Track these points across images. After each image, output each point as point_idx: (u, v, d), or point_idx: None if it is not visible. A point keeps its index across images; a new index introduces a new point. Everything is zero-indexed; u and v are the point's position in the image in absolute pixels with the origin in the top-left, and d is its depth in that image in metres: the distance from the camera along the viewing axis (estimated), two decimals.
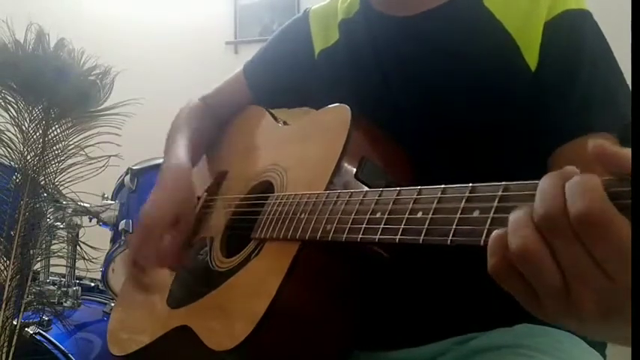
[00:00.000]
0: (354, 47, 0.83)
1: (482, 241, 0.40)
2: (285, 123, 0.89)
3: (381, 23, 0.81)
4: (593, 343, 0.72)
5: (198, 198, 0.92)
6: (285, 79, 0.93)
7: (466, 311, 0.72)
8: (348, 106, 0.70)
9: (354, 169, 0.64)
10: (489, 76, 0.71)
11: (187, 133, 0.96)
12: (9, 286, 1.26)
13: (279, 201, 0.68)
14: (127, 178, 1.54)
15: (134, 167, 1.55)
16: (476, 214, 0.42)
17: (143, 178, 1.53)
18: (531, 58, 0.69)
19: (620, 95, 0.69)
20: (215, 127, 1.03)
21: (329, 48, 0.87)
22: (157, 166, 1.48)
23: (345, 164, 0.64)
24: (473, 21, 0.74)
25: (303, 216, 0.61)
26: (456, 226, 0.43)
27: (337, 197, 0.58)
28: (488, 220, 0.40)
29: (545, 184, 0.36)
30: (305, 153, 0.75)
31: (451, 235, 0.43)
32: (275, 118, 0.91)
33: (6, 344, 1.26)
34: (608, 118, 0.68)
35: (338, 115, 0.70)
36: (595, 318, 0.35)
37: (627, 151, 0.34)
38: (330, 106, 0.74)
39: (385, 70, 0.79)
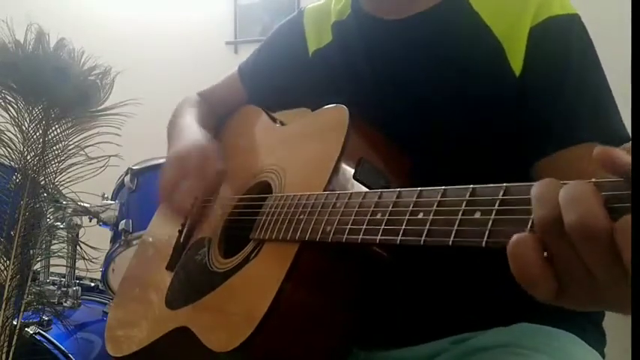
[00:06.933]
0: (347, 49, 0.84)
1: (484, 243, 0.40)
2: (282, 123, 0.89)
3: (372, 26, 0.81)
4: (591, 342, 0.72)
5: (195, 198, 0.92)
6: (279, 79, 0.94)
7: (464, 311, 0.73)
8: (345, 107, 0.70)
9: (353, 170, 0.64)
10: (475, 79, 0.71)
11: (193, 116, 0.97)
12: (9, 286, 1.26)
13: (277, 202, 0.68)
14: (127, 178, 1.53)
15: (134, 167, 1.55)
16: (477, 215, 0.42)
17: (143, 178, 1.52)
18: (516, 63, 0.69)
19: (606, 105, 0.69)
20: (213, 122, 1.03)
21: (322, 49, 0.88)
22: (157, 166, 1.48)
23: (344, 165, 0.64)
24: (461, 24, 0.74)
25: (302, 217, 0.61)
26: (458, 227, 0.43)
27: (336, 198, 0.58)
28: (490, 222, 0.41)
29: (539, 190, 0.37)
30: (303, 153, 0.75)
31: (452, 237, 0.43)
32: (272, 119, 0.91)
33: (6, 344, 1.26)
34: (596, 128, 0.67)
35: (336, 115, 0.70)
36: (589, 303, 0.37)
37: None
38: (328, 106, 0.74)
39: (377, 73, 0.79)
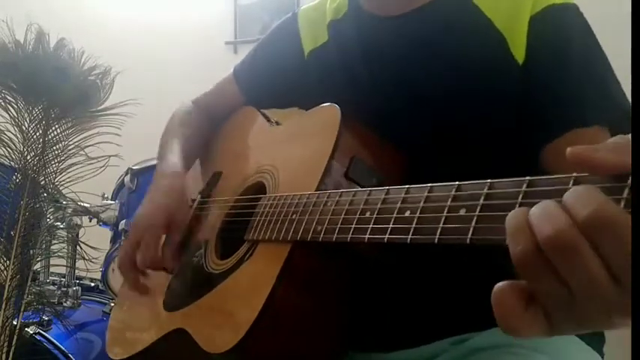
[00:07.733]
0: (343, 48, 0.83)
1: (468, 240, 0.40)
2: (277, 123, 0.89)
3: (370, 23, 0.81)
4: (590, 341, 0.72)
5: (193, 200, 0.92)
6: (274, 80, 0.93)
7: (462, 311, 0.72)
8: (337, 106, 0.70)
9: (345, 169, 0.64)
10: (478, 73, 0.71)
11: (180, 139, 0.96)
12: (9, 286, 1.27)
13: (270, 202, 0.68)
14: (127, 178, 1.54)
15: (134, 167, 1.55)
16: (462, 212, 0.42)
17: (143, 178, 1.53)
18: (518, 52, 0.69)
19: (612, 86, 0.69)
20: (208, 129, 1.03)
21: (318, 49, 0.87)
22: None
23: (336, 164, 0.64)
24: (461, 18, 0.74)
25: (294, 217, 0.61)
26: (443, 224, 0.43)
27: (327, 197, 0.58)
28: (474, 219, 0.40)
29: (508, 224, 0.35)
30: (296, 153, 0.75)
31: (438, 234, 0.43)
32: (267, 119, 0.91)
33: (6, 344, 1.26)
34: (602, 110, 0.68)
35: (328, 114, 0.70)
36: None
37: (602, 152, 0.33)
38: (320, 105, 0.74)
39: (373, 70, 0.79)
